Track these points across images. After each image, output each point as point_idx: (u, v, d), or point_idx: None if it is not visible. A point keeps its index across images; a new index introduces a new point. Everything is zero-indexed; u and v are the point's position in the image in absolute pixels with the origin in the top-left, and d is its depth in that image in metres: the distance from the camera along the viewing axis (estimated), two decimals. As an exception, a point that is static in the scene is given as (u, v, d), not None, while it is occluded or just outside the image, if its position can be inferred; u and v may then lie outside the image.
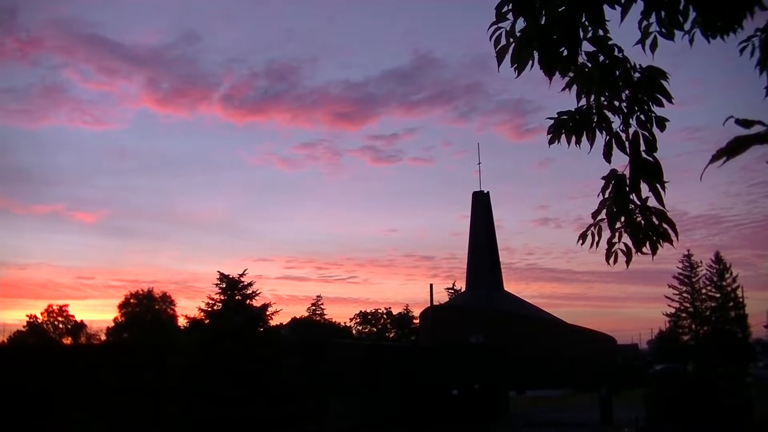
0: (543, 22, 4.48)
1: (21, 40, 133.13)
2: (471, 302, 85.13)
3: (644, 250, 4.71)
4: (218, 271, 30.07)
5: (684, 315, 79.39)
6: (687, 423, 29.94)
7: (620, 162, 4.75)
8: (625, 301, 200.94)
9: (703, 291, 78.73)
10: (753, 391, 36.94)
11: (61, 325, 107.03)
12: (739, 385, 35.14)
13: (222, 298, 29.78)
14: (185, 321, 33.56)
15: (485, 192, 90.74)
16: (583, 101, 4.89)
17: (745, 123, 2.75)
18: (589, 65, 4.75)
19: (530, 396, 64.95)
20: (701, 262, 79.49)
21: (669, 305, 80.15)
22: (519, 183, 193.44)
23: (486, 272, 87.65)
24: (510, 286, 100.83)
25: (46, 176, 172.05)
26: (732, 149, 2.71)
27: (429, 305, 70.41)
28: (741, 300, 78.53)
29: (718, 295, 78.18)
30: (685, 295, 78.86)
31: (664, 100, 4.80)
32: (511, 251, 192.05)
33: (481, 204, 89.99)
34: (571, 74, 4.80)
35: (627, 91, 4.80)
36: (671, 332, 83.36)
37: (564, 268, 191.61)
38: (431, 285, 69.42)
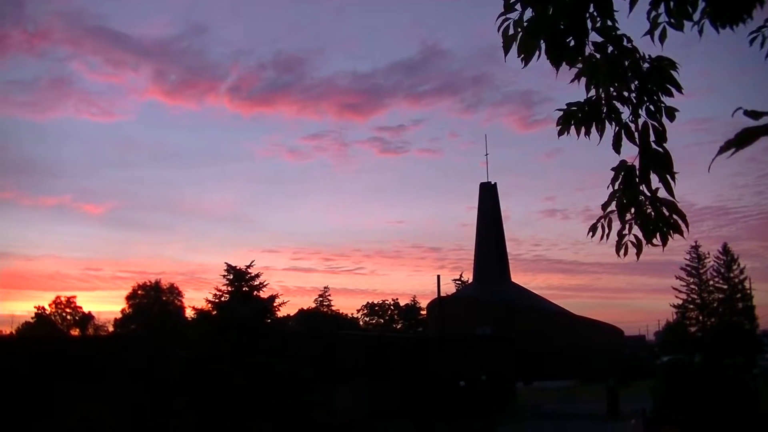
0: (550, 12, 4.45)
1: (28, 32, 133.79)
2: (478, 294, 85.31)
3: (654, 241, 4.68)
4: (225, 263, 30.12)
5: (691, 306, 79.27)
6: (694, 414, 29.88)
7: (630, 153, 4.73)
8: (632, 293, 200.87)
9: (711, 282, 78.59)
10: (760, 382, 36.87)
11: (68, 317, 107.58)
12: (746, 376, 35.09)
13: (229, 289, 29.80)
14: (192, 312, 33.58)
15: (492, 183, 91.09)
16: (592, 92, 4.86)
17: (753, 114, 2.73)
18: (598, 56, 4.72)
19: (537, 387, 64.94)
20: (709, 254, 79.36)
21: (676, 297, 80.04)
22: (526, 174, 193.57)
23: (493, 263, 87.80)
24: (517, 278, 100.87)
25: (54, 168, 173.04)
26: (740, 140, 2.69)
27: (436, 296, 70.51)
28: (748, 291, 78.39)
29: (725, 287, 78.04)
30: (692, 286, 78.75)
31: (673, 90, 4.77)
32: (519, 242, 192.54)
33: (488, 195, 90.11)
34: (579, 65, 4.77)
35: (636, 82, 4.77)
36: (678, 324, 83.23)
37: (571, 260, 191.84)
38: (438, 276, 69.75)
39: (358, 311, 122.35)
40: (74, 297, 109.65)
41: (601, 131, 4.87)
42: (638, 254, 4.86)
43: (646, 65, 4.77)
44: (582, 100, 4.90)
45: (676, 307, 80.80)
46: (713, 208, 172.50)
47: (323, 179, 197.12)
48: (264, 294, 30.26)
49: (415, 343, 55.91)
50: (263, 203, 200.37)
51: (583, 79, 4.85)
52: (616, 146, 4.78)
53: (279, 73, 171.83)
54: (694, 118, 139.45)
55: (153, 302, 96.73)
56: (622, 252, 4.88)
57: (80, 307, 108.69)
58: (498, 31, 4.72)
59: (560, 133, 5.00)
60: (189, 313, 55.22)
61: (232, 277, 29.86)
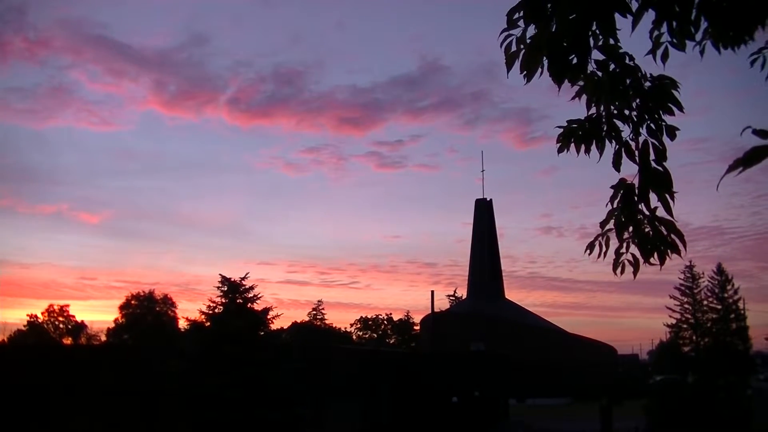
0: (553, 30, 4.46)
1: (29, 40, 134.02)
2: (472, 310, 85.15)
3: (652, 260, 4.68)
4: (220, 274, 30.05)
5: (685, 326, 79.43)
6: (687, 434, 29.88)
7: (628, 172, 4.73)
8: (626, 311, 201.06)
9: (705, 302, 78.81)
10: (753, 403, 36.79)
11: (61, 325, 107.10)
12: (739, 397, 35.05)
13: (223, 301, 29.73)
14: (186, 323, 33.50)
15: (488, 200, 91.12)
16: (593, 110, 4.87)
17: (762, 133, 2.74)
18: (599, 74, 4.73)
19: (530, 404, 64.78)
20: (703, 274, 79.61)
21: (670, 316, 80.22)
22: (522, 191, 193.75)
23: (487, 280, 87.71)
24: (511, 295, 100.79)
25: (51, 176, 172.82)
26: (748, 159, 2.70)
27: (430, 312, 70.40)
28: (742, 312, 78.52)
29: (719, 307, 78.17)
30: (686, 306, 78.95)
31: (675, 109, 4.78)
32: (514, 259, 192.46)
33: (483, 211, 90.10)
34: (581, 82, 4.78)
35: (637, 100, 4.78)
36: (672, 343, 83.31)
37: (566, 277, 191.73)
38: (432, 292, 69.41)
39: (352, 325, 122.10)
40: (67, 306, 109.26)
41: (601, 149, 4.88)
42: (635, 273, 4.86)
43: (647, 84, 4.78)
44: (582, 118, 4.92)
45: (670, 327, 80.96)
46: (709, 227, 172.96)
47: (320, 193, 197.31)
48: (258, 306, 30.21)
49: (409, 358, 55.79)
50: (260, 215, 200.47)
51: (584, 97, 4.86)
52: (616, 164, 4.79)
53: (278, 85, 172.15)
54: (691, 137, 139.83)
55: (146, 312, 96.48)
56: (619, 270, 4.88)
57: (73, 316, 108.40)
58: (501, 47, 4.73)
59: (560, 150, 5.01)
60: (182, 324, 55.21)
61: (226, 288, 29.79)
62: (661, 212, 4.62)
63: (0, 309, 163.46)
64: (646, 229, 4.67)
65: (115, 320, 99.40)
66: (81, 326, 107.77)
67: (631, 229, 4.71)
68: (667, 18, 4.62)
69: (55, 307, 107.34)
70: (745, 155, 2.67)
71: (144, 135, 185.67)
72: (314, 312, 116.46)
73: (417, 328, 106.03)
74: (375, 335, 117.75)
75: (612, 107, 4.80)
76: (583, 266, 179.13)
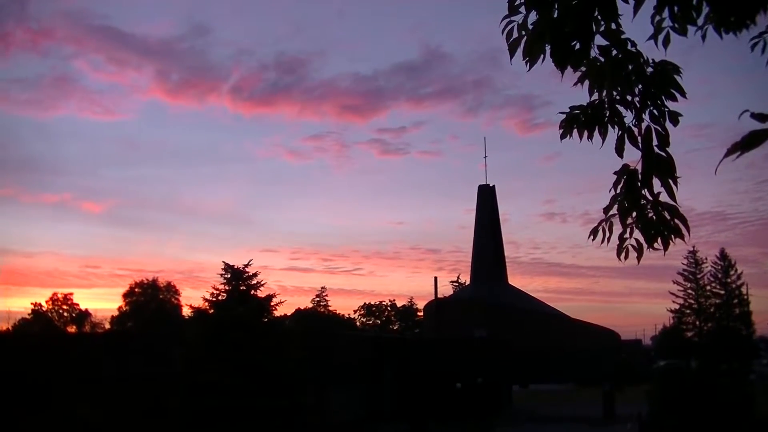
0: (555, 16, 4.46)
1: (32, 30, 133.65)
2: (475, 296, 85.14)
3: (656, 245, 4.69)
4: (223, 262, 30.08)
5: (688, 311, 79.32)
6: (689, 419, 29.88)
7: (631, 157, 4.73)
8: (629, 297, 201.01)
9: (708, 288, 78.63)
10: (756, 388, 36.83)
11: (65, 314, 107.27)
12: (742, 382, 35.06)
13: (226, 288, 29.78)
14: (189, 311, 33.53)
15: (491, 186, 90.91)
16: (596, 96, 4.86)
17: (760, 117, 2.74)
18: (602, 59, 4.73)
19: (533, 390, 64.90)
20: (706, 259, 79.41)
21: (673, 301, 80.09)
22: (525, 177, 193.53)
23: (491, 266, 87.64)
24: (515, 280, 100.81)
25: (55, 166, 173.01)
26: (747, 143, 2.70)
27: (433, 298, 70.47)
28: (745, 297, 78.37)
29: (722, 292, 78.04)
30: (689, 291, 78.79)
31: (677, 95, 4.78)
32: (517, 245, 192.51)
33: (486, 197, 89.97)
34: (583, 68, 4.78)
35: (640, 86, 4.77)
36: (675, 328, 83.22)
37: (569, 263, 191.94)
38: (435, 278, 69.65)
39: (355, 312, 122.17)
40: (71, 294, 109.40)
41: (603, 135, 4.88)
42: (639, 258, 4.87)
43: (649, 69, 4.77)
44: (585, 104, 4.91)
45: (673, 312, 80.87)
46: (712, 213, 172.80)
47: (323, 180, 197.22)
48: (261, 293, 30.25)
49: (412, 344, 55.88)
50: (263, 203, 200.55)
51: (587, 83, 4.86)
52: (619, 150, 4.79)
53: (280, 74, 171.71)
54: (694, 123, 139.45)
55: (150, 300, 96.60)
56: (623, 256, 4.88)
57: (77, 304, 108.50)
58: (502, 33, 4.73)
59: (563, 136, 5.01)
60: (186, 311, 55.24)
61: (229, 276, 29.83)
62: (664, 197, 4.62)
63: (4, 298, 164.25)
64: (650, 215, 4.67)
65: (119, 308, 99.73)
66: (85, 314, 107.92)
67: (634, 214, 4.72)
68: (669, 3, 4.61)
69: (59, 296, 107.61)
70: (743, 139, 2.67)
71: (147, 124, 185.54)
72: (317, 299, 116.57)
73: (420, 314, 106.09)
74: (378, 322, 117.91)
75: (614, 93, 4.80)
76: (586, 252, 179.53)
